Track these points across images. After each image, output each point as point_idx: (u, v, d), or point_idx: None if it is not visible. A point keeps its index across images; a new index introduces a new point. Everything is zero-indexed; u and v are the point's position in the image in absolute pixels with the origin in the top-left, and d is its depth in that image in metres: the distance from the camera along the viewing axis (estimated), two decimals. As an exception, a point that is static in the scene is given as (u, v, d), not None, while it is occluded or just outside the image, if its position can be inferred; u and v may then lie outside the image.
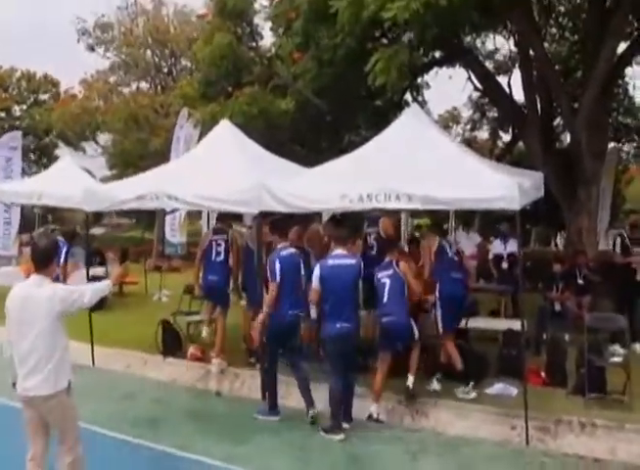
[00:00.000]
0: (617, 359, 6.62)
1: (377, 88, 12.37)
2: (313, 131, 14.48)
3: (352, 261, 6.61)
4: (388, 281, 6.83)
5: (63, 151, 27.96)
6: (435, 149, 6.76)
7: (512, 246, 10.80)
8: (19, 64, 32.51)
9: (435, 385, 7.23)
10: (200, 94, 14.07)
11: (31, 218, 20.55)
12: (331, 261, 6.57)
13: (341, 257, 6.59)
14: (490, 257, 11.00)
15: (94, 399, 7.04)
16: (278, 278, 6.62)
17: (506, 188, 5.91)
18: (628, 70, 18.57)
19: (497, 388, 6.99)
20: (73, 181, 11.12)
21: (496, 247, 10.88)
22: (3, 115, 31.32)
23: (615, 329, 7.35)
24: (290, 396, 7.49)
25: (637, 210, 16.35)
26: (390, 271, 6.88)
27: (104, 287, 4.69)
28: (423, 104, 17.90)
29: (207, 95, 13.78)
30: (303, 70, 11.28)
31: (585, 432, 6.12)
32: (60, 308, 4.32)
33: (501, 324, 8.11)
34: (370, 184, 6.41)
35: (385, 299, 6.80)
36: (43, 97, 32.57)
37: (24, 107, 32.28)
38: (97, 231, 30.63)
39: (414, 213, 16.90)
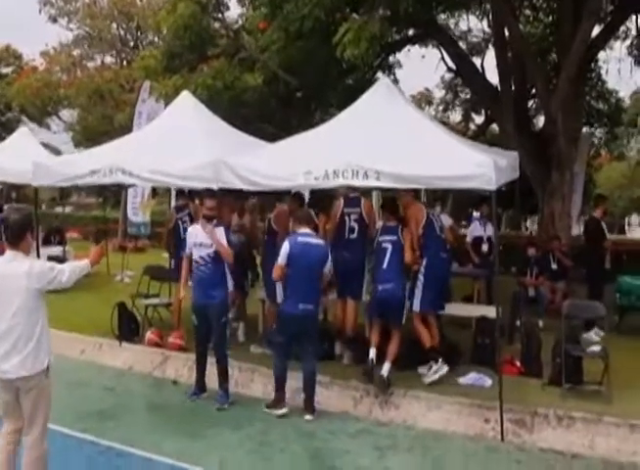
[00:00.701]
0: (595, 349, 6.30)
1: (349, 65, 12.02)
2: (282, 108, 14.01)
3: (320, 242, 6.39)
4: (390, 247, 6.54)
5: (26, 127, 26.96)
6: (407, 124, 6.33)
7: (489, 229, 10.53)
8: (-22, 35, 31.25)
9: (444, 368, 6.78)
10: (163, 67, 13.45)
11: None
12: (300, 239, 6.25)
13: (309, 235, 6.31)
14: (469, 239, 10.67)
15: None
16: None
17: (482, 166, 5.51)
18: (601, 55, 18.55)
19: (471, 378, 6.64)
20: (28, 156, 10.43)
21: (476, 229, 10.53)
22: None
23: (593, 317, 7.04)
24: (252, 383, 7.10)
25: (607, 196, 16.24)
26: (395, 237, 6.59)
27: (83, 266, 4.37)
28: (395, 83, 17.53)
29: (171, 68, 13.19)
30: (270, 42, 10.77)
31: (562, 425, 5.80)
32: (38, 286, 4.11)
33: (475, 311, 7.75)
34: (337, 160, 5.98)
35: (384, 265, 6.52)
36: (5, 70, 31.28)
37: (-15, 80, 31.00)
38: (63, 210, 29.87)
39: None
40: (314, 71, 12.83)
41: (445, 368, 6.59)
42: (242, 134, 8.55)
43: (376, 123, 6.42)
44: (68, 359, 8.04)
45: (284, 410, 6.26)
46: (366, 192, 8.95)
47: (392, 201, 6.96)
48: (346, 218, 7.18)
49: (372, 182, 5.80)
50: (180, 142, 7.51)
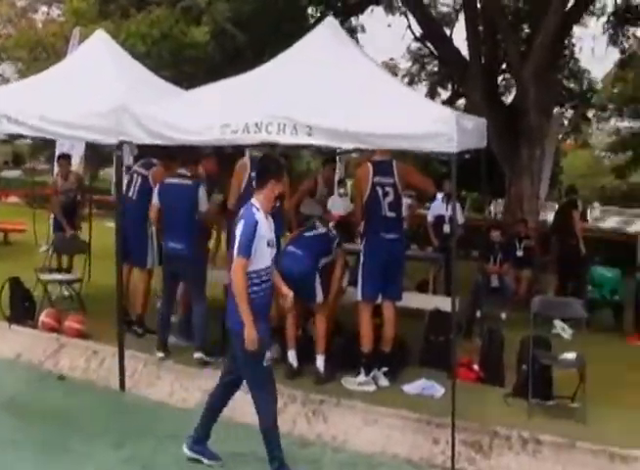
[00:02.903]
0: (569, 357, 5.20)
1: (304, 24, 10.89)
2: (230, 66, 12.72)
3: (189, 182, 5.96)
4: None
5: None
6: (354, 71, 5.06)
7: (456, 207, 9.49)
8: None
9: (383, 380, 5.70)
10: (96, 11, 12.04)
11: None
12: (169, 180, 6.04)
13: (180, 176, 5.99)
14: (430, 219, 9.59)
15: None
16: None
17: (441, 122, 4.30)
18: (576, 32, 17.65)
19: (419, 386, 5.49)
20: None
21: (437, 208, 9.44)
22: None
23: (568, 317, 5.97)
24: (159, 382, 5.86)
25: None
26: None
27: None
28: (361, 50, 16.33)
29: (104, 13, 11.82)
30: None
31: (527, 450, 4.70)
32: None
33: (428, 302, 6.59)
34: (260, 111, 4.73)
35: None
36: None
37: None
38: (11, 174, 28.15)
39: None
40: (265, 27, 11.78)
41: (372, 387, 5.50)
42: (164, 83, 7.18)
43: (315, 69, 5.14)
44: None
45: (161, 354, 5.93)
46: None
47: None
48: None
49: (302, 139, 4.56)
50: (82, 86, 6.17)
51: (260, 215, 4.12)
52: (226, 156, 7.64)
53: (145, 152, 6.92)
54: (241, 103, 5.03)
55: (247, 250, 4.02)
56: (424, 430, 4.96)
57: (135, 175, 6.80)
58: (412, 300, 6.78)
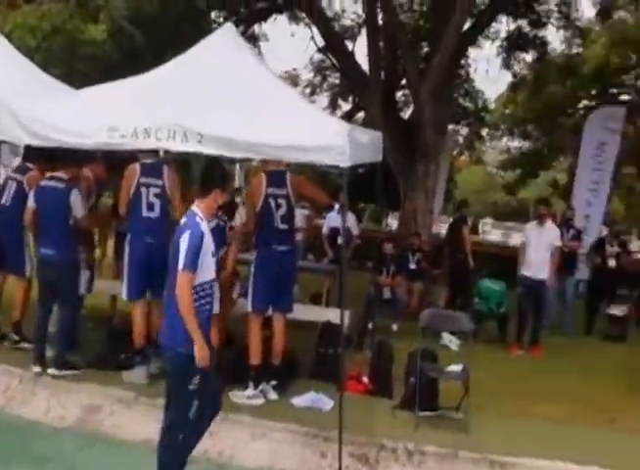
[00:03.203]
0: (455, 369, 5.32)
1: (205, 28, 10.62)
2: (128, 66, 12.29)
3: (61, 185, 5.68)
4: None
5: None
6: (247, 79, 4.97)
7: (349, 219, 9.61)
8: None
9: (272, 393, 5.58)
10: (-19, 0, 11.26)
11: None
12: (44, 183, 5.77)
13: (54, 179, 5.71)
14: (325, 231, 9.61)
15: None
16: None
17: (334, 136, 4.29)
18: (471, 54, 18.40)
19: (308, 398, 5.44)
20: None
21: (332, 219, 9.48)
22: None
23: (455, 330, 6.12)
24: (35, 398, 5.50)
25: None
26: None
27: None
28: (260, 58, 16.24)
29: (-9, 2, 11.06)
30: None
31: (413, 462, 4.76)
32: None
33: (320, 314, 6.57)
34: (151, 116, 4.57)
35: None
36: None
37: None
38: None
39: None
40: (165, 28, 11.46)
41: (261, 401, 5.40)
42: (49, 78, 6.76)
43: (210, 75, 5.02)
44: None
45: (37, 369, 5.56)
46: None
47: None
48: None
49: (193, 147, 4.43)
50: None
51: (205, 225, 3.92)
52: (120, 160, 7.35)
53: (30, 153, 6.52)
54: (132, 106, 4.83)
55: (194, 263, 3.77)
56: (312, 444, 4.92)
57: (10, 181, 6.39)
58: (305, 312, 6.76)
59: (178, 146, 4.46)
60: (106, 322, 7.07)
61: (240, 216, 6.12)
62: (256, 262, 5.56)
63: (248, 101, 4.72)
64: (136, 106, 4.83)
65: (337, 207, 9.85)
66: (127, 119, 4.65)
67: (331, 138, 4.26)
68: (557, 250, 8.20)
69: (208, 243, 3.90)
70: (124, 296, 5.80)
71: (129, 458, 4.64)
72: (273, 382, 5.53)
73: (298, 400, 5.43)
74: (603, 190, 13.29)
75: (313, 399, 5.43)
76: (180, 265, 3.76)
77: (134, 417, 5.25)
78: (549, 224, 8.34)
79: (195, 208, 3.98)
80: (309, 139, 4.28)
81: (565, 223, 10.08)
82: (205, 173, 4.21)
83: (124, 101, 4.96)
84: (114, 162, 6.55)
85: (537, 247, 8.15)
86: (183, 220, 3.95)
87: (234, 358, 5.82)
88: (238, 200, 10.43)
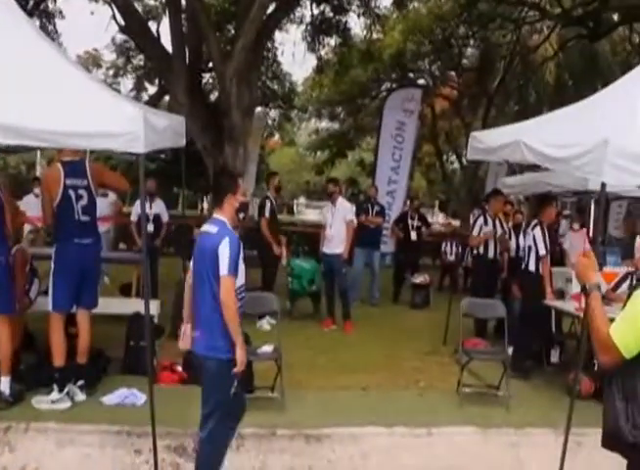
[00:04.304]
0: (267, 350, 5.37)
1: None
2: None
3: None
4: None
5: None
6: (30, 59, 4.53)
7: (159, 206, 9.29)
8: None
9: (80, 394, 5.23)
10: None
11: None
12: None
13: None
14: (134, 219, 9.24)
15: None
16: None
17: (126, 120, 4.07)
18: (278, 37, 18.62)
19: (119, 395, 5.20)
20: None
21: (139, 207, 9.09)
22: None
23: (265, 311, 6.19)
24: None
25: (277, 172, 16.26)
26: None
27: None
28: (54, 36, 15.17)
29: None
30: None
31: (231, 446, 4.66)
32: None
33: (127, 305, 6.29)
34: None
35: None
36: None
37: None
38: None
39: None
40: None
41: (67, 404, 5.09)
42: None
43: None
44: None
45: None
46: None
47: None
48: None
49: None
50: None
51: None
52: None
53: None
54: None
55: (235, 269, 3.83)
56: (125, 442, 4.71)
57: None
58: (113, 304, 6.47)
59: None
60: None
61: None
62: (57, 258, 5.16)
63: (31, 84, 4.29)
64: None
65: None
66: None
67: (123, 123, 4.03)
68: (349, 224, 8.55)
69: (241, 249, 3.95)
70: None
71: None
72: (80, 382, 5.22)
73: (109, 398, 5.18)
74: (404, 167, 14.16)
75: (125, 395, 5.21)
76: (225, 271, 3.76)
77: None
78: (340, 200, 8.69)
79: (221, 218, 3.95)
80: (99, 125, 4.01)
81: (368, 200, 10.61)
82: (214, 183, 4.34)
83: None
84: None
85: (333, 223, 8.48)
86: (213, 229, 3.91)
87: (35, 361, 5.41)
88: (36, 191, 9.69)
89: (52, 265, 5.25)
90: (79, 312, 5.34)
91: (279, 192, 9.72)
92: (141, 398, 5.17)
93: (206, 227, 3.97)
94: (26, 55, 4.60)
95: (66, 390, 5.08)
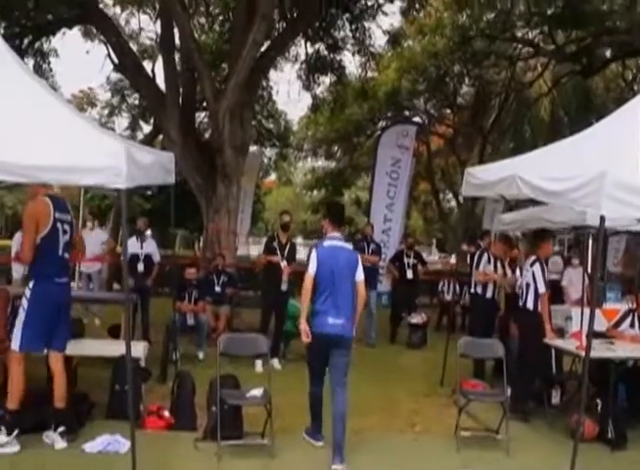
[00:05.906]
0: (256, 394, 5.14)
1: None
2: None
3: None
4: None
5: None
6: (16, 96, 4.43)
7: (151, 245, 9.10)
8: None
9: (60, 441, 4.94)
10: None
11: None
12: None
13: None
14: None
15: None
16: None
17: (108, 155, 3.95)
18: (272, 76, 18.73)
19: (101, 442, 4.94)
20: None
21: (131, 245, 8.95)
22: None
23: (254, 353, 5.97)
24: None
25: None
26: None
27: None
28: (49, 75, 15.26)
29: None
30: None
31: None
32: None
33: (115, 348, 6.07)
34: None
35: None
36: None
37: None
38: None
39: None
40: None
41: (16, 448, 4.74)
42: None
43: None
44: None
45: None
46: None
47: None
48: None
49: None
50: None
51: None
52: None
53: None
54: None
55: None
56: (104, 493, 4.48)
57: None
58: (99, 347, 6.26)
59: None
60: None
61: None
62: (33, 296, 4.92)
63: (16, 119, 4.19)
64: None
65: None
66: None
67: (104, 158, 3.90)
68: None
69: None
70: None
71: None
72: (61, 428, 4.96)
73: (91, 446, 4.91)
74: (399, 205, 14.06)
75: (108, 441, 4.94)
76: (361, 277, 5.19)
77: None
78: None
79: (339, 237, 5.31)
80: (78, 159, 3.89)
81: (364, 238, 10.46)
82: (335, 212, 5.50)
83: None
84: None
85: None
86: (345, 244, 5.32)
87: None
88: None
89: (24, 303, 4.98)
90: (51, 355, 5.06)
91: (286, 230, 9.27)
92: (124, 444, 4.89)
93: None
94: (5, 88, 4.51)
95: (15, 433, 4.72)
